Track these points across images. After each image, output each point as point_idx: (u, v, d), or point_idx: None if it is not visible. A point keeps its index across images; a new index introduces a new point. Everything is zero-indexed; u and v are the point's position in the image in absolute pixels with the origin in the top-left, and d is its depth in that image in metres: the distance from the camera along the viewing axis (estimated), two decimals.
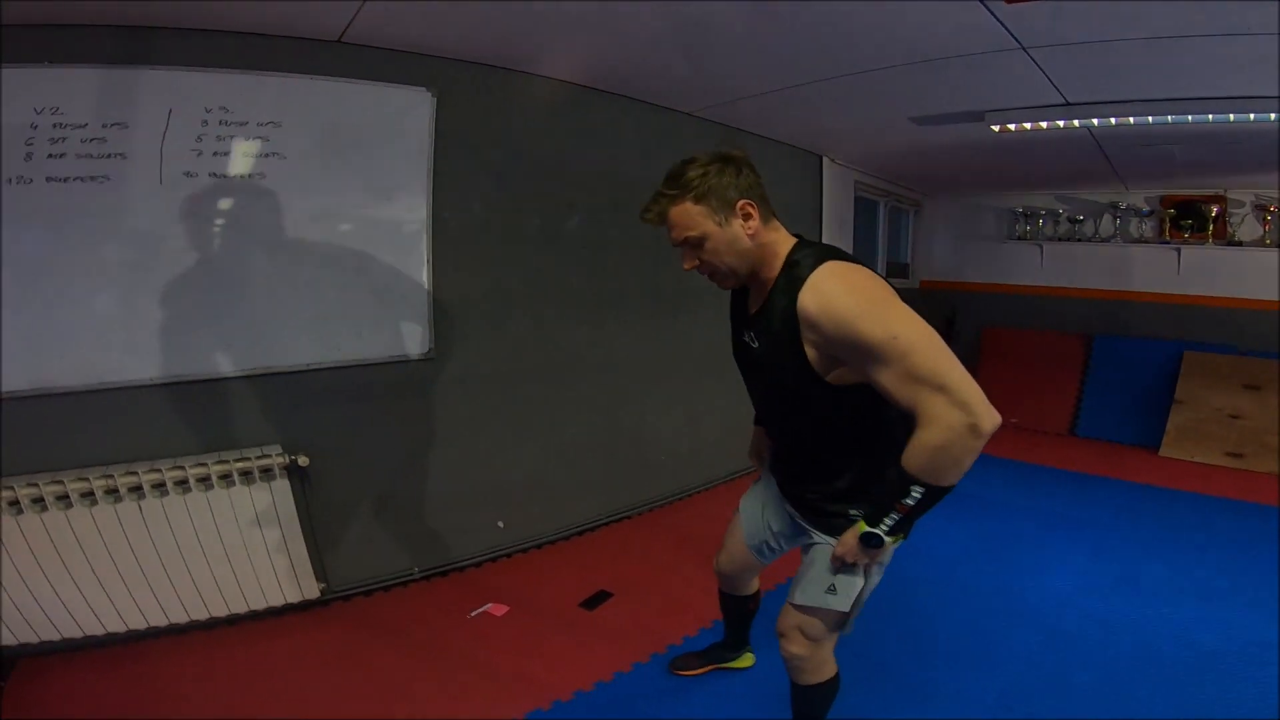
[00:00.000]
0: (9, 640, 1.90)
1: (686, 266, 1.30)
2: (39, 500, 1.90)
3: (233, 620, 2.21)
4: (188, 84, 2.04)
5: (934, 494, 1.15)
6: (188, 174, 2.09)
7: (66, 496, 1.94)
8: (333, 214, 2.34)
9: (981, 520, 3.24)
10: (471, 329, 2.67)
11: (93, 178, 1.97)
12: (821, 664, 1.46)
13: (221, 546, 2.16)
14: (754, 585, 1.88)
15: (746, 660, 2.04)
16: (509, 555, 2.82)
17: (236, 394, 2.23)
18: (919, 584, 2.56)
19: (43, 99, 1.88)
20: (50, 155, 1.92)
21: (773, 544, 1.63)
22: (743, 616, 1.91)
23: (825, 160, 4.26)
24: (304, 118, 2.21)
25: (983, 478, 3.76)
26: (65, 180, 1.94)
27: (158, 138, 2.03)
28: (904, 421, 1.15)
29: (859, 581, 1.35)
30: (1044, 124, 3.03)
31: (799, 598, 1.38)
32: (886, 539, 1.22)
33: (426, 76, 2.37)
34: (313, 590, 2.32)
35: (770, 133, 3.70)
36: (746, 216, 1.23)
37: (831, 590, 1.35)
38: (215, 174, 2.13)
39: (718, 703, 1.89)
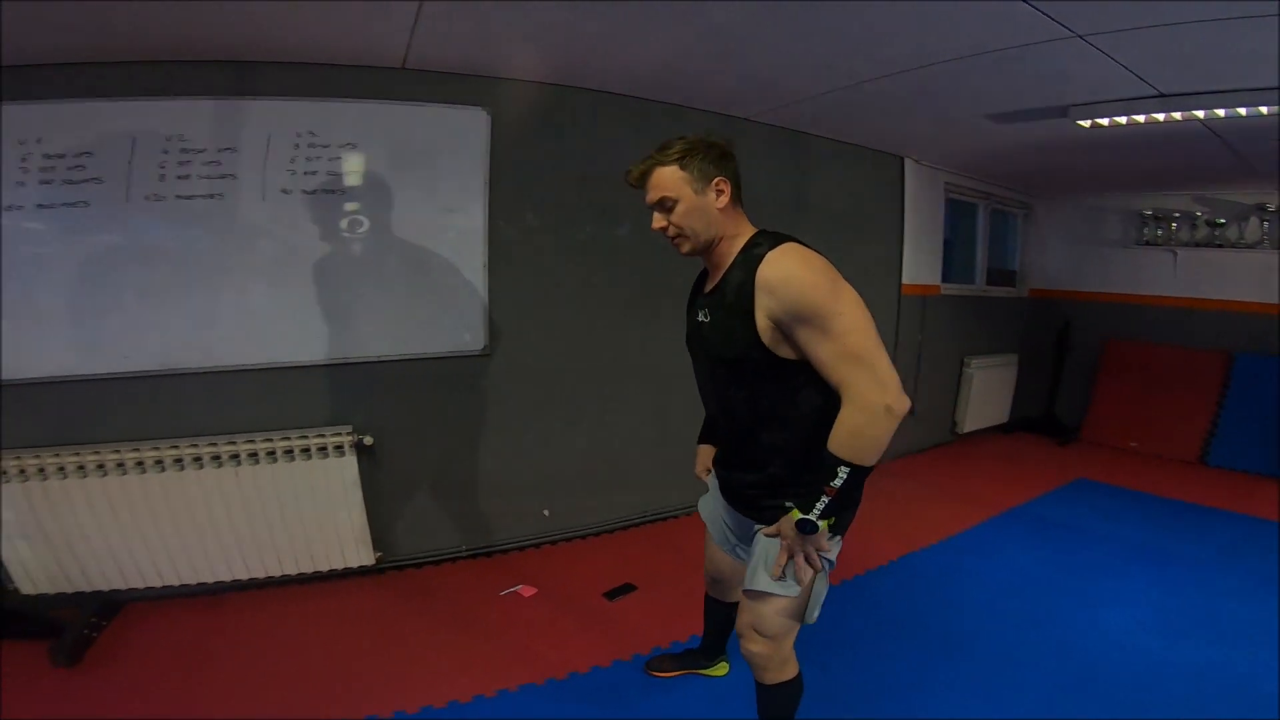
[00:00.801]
0: (119, 585, 2.34)
1: (655, 226, 1.39)
2: (159, 463, 2.31)
3: (301, 579, 2.55)
4: (282, 112, 2.39)
5: (858, 474, 1.22)
6: (284, 191, 2.44)
7: (180, 460, 2.35)
8: (401, 224, 2.61)
9: (1058, 548, 2.99)
10: (524, 328, 2.87)
11: (210, 195, 2.37)
12: (782, 663, 1.47)
13: (298, 512, 2.49)
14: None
15: (720, 669, 2.07)
16: (553, 543, 3.00)
17: (317, 380, 2.57)
18: (958, 608, 2.43)
19: (171, 127, 2.29)
20: (182, 175, 2.33)
21: (741, 549, 1.65)
22: (724, 623, 1.92)
23: (907, 162, 4.09)
24: (376, 138, 2.51)
25: (1078, 504, 3.53)
26: (190, 198, 2.35)
27: (260, 160, 2.40)
28: (835, 407, 1.24)
29: (808, 568, 1.35)
30: (1140, 118, 2.76)
31: (749, 583, 1.41)
32: (819, 524, 1.26)
33: (481, 96, 2.60)
34: (369, 558, 2.61)
35: (841, 135, 3.62)
36: (720, 192, 1.34)
37: (781, 577, 1.36)
38: (305, 190, 2.46)
39: (701, 698, 1.93)
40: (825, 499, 1.25)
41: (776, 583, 1.36)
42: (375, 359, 2.63)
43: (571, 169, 2.87)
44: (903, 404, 1.19)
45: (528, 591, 2.53)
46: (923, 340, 4.44)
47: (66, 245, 2.24)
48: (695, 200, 1.33)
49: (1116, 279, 5.04)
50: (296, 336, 2.52)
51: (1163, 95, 2.55)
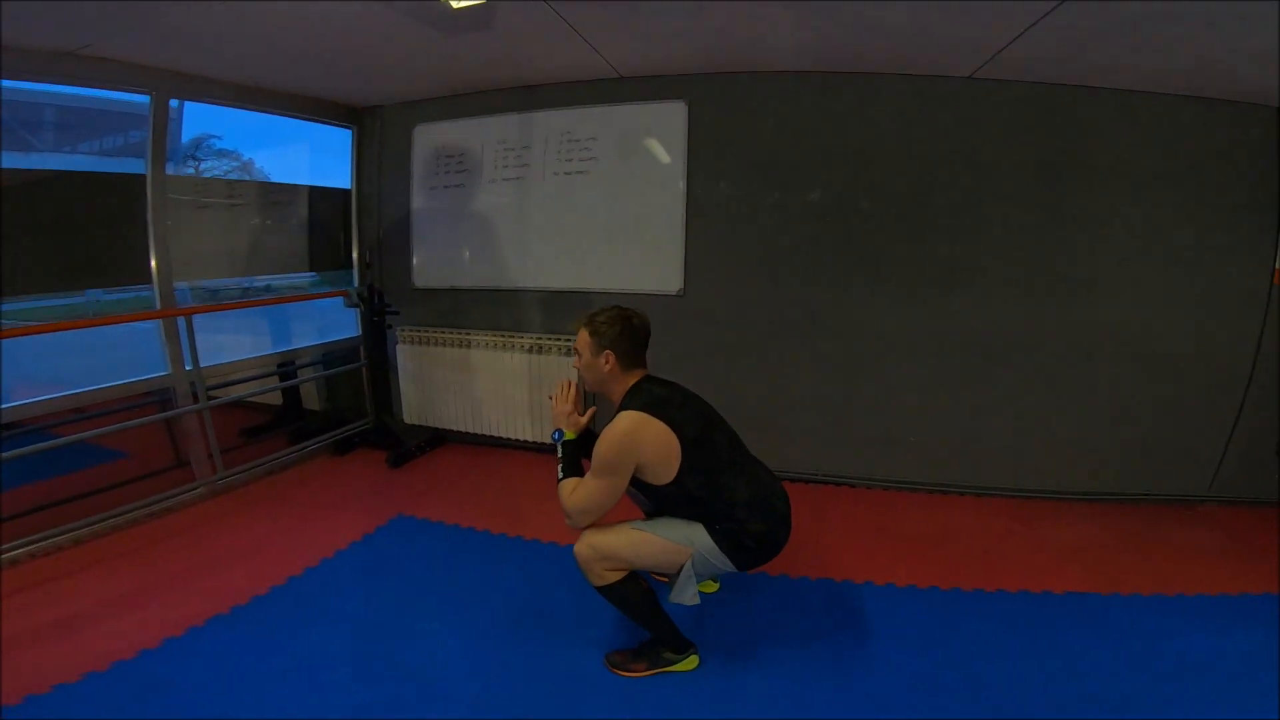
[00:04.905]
0: (448, 426, 3.92)
1: (574, 364, 2.01)
2: (480, 344, 3.74)
3: (527, 446, 3.74)
4: (551, 120, 3.50)
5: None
6: (554, 174, 3.55)
7: (490, 344, 3.73)
8: (626, 194, 3.44)
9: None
10: (714, 279, 3.39)
11: (515, 179, 3.63)
12: (594, 576, 1.86)
13: (540, 393, 3.64)
14: None
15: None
16: None
17: (565, 300, 3.66)
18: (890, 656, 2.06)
19: (498, 134, 3.60)
20: (504, 165, 3.65)
21: None
22: None
23: None
24: (608, 132, 3.41)
25: None
26: (506, 180, 3.65)
27: (540, 154, 3.55)
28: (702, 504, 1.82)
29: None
30: None
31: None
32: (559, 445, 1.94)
33: (681, 91, 3.21)
34: None
35: (1124, 81, 2.79)
36: (606, 360, 1.87)
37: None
38: (566, 173, 3.52)
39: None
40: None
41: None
42: (600, 290, 3.55)
43: (761, 143, 3.21)
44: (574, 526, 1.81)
45: None
46: None
47: (452, 210, 3.80)
48: (590, 359, 1.90)
49: None
50: (559, 271, 3.65)
51: None
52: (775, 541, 1.88)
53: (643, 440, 1.74)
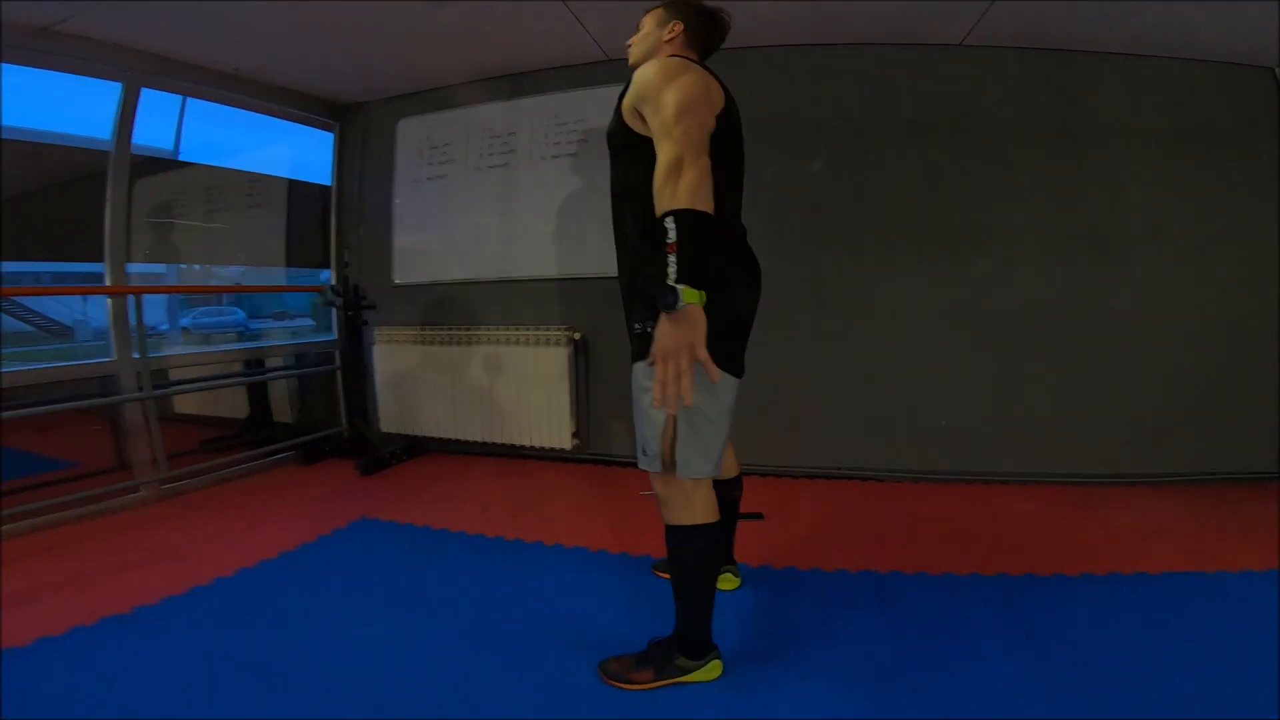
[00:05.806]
0: (427, 433, 3.57)
1: (627, 43, 1.67)
2: (467, 341, 3.43)
3: (525, 452, 3.38)
4: (539, 105, 3.37)
5: (685, 221, 1.16)
6: (542, 157, 3.37)
7: (472, 341, 3.43)
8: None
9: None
10: None
11: (501, 166, 3.45)
12: (677, 507, 1.47)
13: (528, 393, 3.32)
14: (732, 468, 1.83)
15: (727, 582, 1.94)
16: None
17: (555, 288, 3.39)
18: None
19: (484, 123, 3.45)
20: (490, 153, 3.48)
21: None
22: (721, 507, 1.69)
23: None
24: (597, 115, 3.24)
25: None
26: (492, 168, 3.47)
27: (528, 139, 3.39)
28: None
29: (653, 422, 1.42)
30: None
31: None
32: (679, 289, 1.14)
33: None
34: (568, 443, 3.27)
35: (1114, 44, 2.70)
36: (672, 30, 1.57)
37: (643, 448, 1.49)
38: (555, 156, 3.34)
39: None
40: (671, 258, 1.15)
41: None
42: (595, 275, 3.25)
43: (754, 116, 2.92)
44: (695, 158, 1.20)
45: None
46: None
47: (435, 202, 3.61)
48: (652, 30, 1.60)
49: None
50: (547, 258, 3.39)
51: None
52: (733, 284, 1.48)
53: (710, 83, 1.41)
